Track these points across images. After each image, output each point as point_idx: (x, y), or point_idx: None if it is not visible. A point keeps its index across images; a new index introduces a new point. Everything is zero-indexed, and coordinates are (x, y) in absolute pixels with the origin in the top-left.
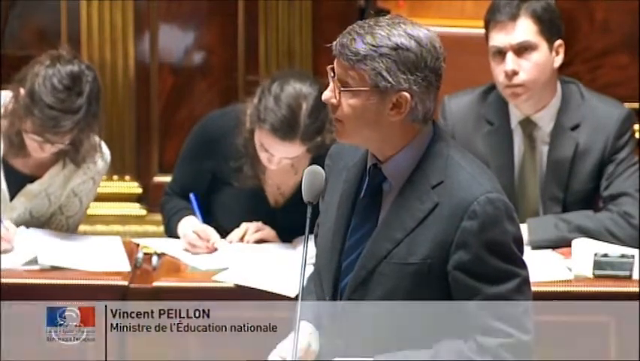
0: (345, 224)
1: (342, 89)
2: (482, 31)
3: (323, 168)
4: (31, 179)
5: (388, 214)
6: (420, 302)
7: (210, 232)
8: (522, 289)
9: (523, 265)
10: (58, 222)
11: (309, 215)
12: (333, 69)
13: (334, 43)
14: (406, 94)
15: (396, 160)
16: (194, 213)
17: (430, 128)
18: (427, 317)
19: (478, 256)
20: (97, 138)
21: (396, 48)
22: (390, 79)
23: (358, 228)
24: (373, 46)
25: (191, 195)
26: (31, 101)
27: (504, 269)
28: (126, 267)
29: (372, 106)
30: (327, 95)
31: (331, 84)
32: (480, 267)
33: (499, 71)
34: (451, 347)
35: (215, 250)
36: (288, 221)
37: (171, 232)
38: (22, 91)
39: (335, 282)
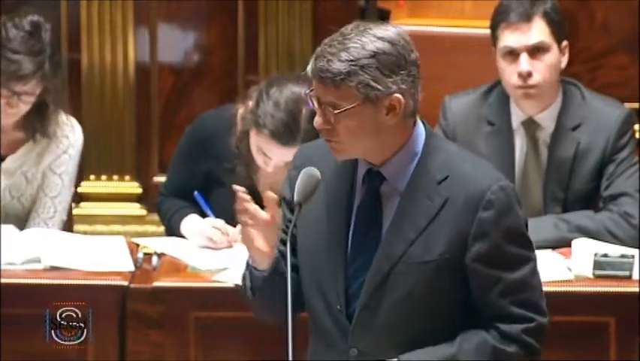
0: (343, 233)
1: (335, 112)
2: (482, 31)
3: None
4: (4, 159)
5: (397, 215)
6: (439, 298)
7: (229, 226)
8: (536, 271)
9: (532, 247)
10: (44, 205)
11: (296, 214)
12: (314, 96)
13: (309, 69)
14: (398, 95)
15: (396, 160)
16: (197, 210)
17: (421, 124)
18: (446, 313)
19: (497, 245)
20: (64, 115)
21: (374, 55)
22: (379, 87)
23: (361, 234)
24: (351, 61)
25: (196, 193)
26: None
27: (520, 254)
28: (130, 267)
29: (368, 117)
30: (319, 122)
31: (319, 110)
32: (499, 255)
33: (510, 72)
34: (474, 337)
35: (232, 246)
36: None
37: (172, 232)
38: None
39: (346, 291)
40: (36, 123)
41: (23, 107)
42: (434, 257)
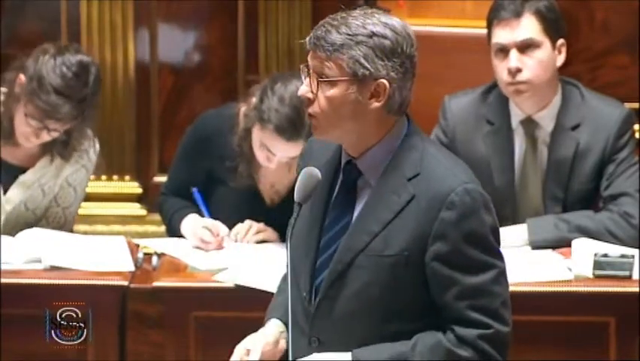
0: (319, 222)
1: (319, 79)
2: (482, 31)
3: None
4: (22, 170)
5: (364, 208)
6: (397, 295)
7: (220, 226)
8: (499, 280)
9: (500, 256)
10: (55, 214)
11: (295, 215)
12: (307, 66)
13: (307, 37)
14: (385, 81)
15: (372, 154)
16: (198, 209)
17: (405, 121)
18: (408, 310)
19: (456, 246)
20: (88, 131)
21: (372, 35)
22: (368, 66)
23: (333, 225)
24: (349, 35)
25: (194, 190)
26: (39, 85)
27: (482, 260)
28: (130, 267)
29: (351, 96)
30: (303, 89)
31: (306, 80)
32: (458, 258)
33: (501, 68)
34: (429, 338)
35: (222, 247)
36: (285, 220)
37: (174, 232)
38: (22, 77)
39: (312, 279)
40: (56, 144)
41: (48, 138)
42: (394, 252)
